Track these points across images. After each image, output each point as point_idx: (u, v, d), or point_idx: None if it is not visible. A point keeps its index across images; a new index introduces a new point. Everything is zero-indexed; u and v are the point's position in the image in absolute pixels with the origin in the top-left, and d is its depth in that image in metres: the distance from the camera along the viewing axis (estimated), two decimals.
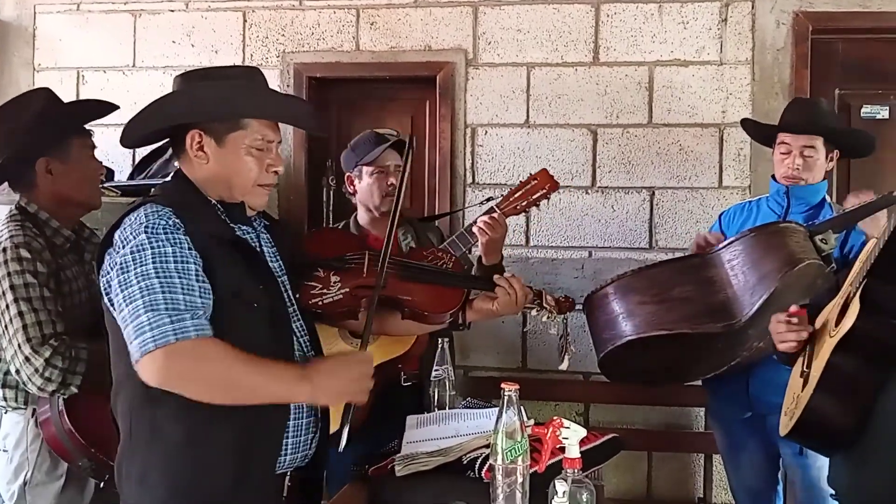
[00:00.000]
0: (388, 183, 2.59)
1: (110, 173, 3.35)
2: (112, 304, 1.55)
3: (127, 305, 1.49)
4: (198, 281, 1.53)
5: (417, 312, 2.02)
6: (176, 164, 1.76)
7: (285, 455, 1.66)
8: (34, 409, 2.12)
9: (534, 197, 2.40)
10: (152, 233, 1.53)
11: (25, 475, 2.13)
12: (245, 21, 3.63)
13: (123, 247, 1.54)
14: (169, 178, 1.79)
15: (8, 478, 2.16)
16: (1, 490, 2.19)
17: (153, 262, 1.50)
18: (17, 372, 1.99)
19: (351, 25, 3.55)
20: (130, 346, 1.47)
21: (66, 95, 2.29)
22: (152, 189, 1.81)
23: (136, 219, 1.57)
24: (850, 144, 2.62)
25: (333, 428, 1.79)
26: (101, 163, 2.27)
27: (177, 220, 1.56)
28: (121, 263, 1.52)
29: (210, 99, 1.65)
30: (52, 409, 2.06)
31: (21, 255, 2.01)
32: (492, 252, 2.45)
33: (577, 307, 2.26)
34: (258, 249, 1.74)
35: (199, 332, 1.47)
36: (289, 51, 3.60)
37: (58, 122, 2.14)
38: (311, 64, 3.58)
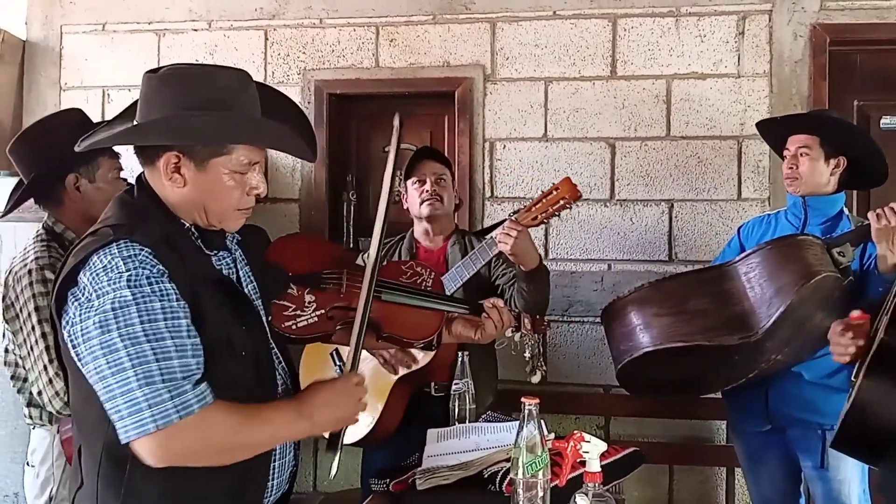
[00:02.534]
0: (424, 190, 2.70)
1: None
2: (80, 359, 1.36)
3: (113, 374, 1.31)
4: (189, 337, 1.37)
5: (395, 336, 1.89)
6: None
7: (269, 497, 1.57)
8: (59, 426, 2.15)
9: (554, 207, 2.37)
10: (136, 285, 1.34)
11: (51, 491, 2.16)
12: (267, 39, 3.69)
13: (98, 297, 1.34)
14: (132, 191, 1.56)
15: (35, 492, 2.20)
16: None
17: (140, 323, 1.32)
18: (40, 394, 2.03)
19: (370, 42, 3.60)
20: (120, 422, 1.31)
21: (92, 114, 2.34)
22: (111, 208, 1.56)
23: (111, 264, 1.36)
24: (853, 144, 2.54)
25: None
26: (126, 185, 2.32)
27: (160, 266, 1.38)
28: (100, 321, 1.33)
29: (200, 127, 1.45)
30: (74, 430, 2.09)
31: (45, 277, 2.04)
32: (524, 259, 2.41)
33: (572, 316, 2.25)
34: (237, 280, 1.60)
35: (200, 403, 1.34)
36: (309, 68, 3.65)
37: None
38: (331, 81, 3.62)
